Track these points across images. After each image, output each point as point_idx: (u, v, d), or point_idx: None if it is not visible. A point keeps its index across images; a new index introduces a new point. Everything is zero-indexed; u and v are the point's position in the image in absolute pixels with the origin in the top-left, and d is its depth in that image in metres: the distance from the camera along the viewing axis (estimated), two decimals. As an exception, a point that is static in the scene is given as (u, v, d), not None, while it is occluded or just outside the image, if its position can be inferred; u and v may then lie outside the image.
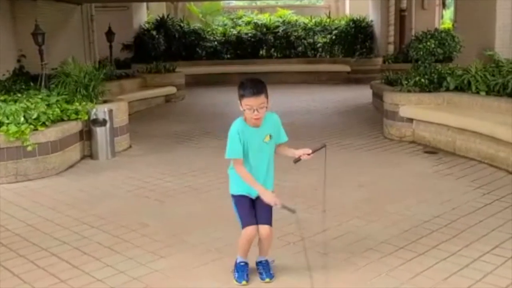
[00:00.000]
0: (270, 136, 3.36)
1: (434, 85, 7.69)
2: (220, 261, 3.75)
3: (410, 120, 7.50)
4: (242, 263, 3.50)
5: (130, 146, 7.66)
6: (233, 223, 4.25)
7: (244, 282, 3.42)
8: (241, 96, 3.22)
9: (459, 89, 7.49)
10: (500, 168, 5.93)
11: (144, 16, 17.31)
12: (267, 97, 3.24)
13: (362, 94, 12.38)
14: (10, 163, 5.83)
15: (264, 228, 3.36)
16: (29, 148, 5.83)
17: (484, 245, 3.92)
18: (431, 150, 7.02)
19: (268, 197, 3.24)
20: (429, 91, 7.64)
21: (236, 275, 3.46)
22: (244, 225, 3.36)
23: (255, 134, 3.32)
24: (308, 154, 3.41)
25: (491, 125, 6.02)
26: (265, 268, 3.52)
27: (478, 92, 7.14)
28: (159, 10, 17.82)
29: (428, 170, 6.13)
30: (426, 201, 4.98)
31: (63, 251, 3.99)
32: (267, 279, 3.46)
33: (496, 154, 6.03)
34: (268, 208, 3.38)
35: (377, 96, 9.97)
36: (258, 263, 3.56)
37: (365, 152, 7.10)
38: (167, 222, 4.57)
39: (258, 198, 3.38)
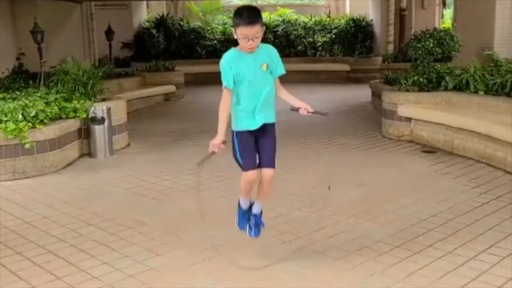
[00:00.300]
0: (267, 64, 3.31)
1: (433, 84, 7.70)
2: (216, 258, 3.76)
3: (409, 119, 7.50)
4: (242, 210, 3.62)
5: (129, 144, 7.67)
6: (229, 221, 4.27)
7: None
8: (236, 25, 3.16)
9: (457, 88, 7.49)
10: (498, 167, 5.94)
11: (144, 14, 17.31)
12: (262, 26, 3.19)
13: (361, 94, 12.38)
14: (8, 161, 5.84)
15: (268, 172, 3.36)
16: (27, 146, 5.85)
17: (480, 244, 3.92)
18: (429, 150, 7.02)
19: (213, 141, 3.28)
20: (428, 91, 7.65)
21: (237, 219, 3.64)
22: (244, 168, 3.36)
23: (250, 60, 3.26)
24: (309, 112, 3.40)
25: (488, 124, 6.03)
26: (257, 223, 3.58)
27: (476, 92, 7.15)
28: (159, 8, 17.82)
29: (425, 169, 6.14)
30: (423, 200, 4.99)
31: (60, 248, 4.00)
32: (254, 237, 3.56)
33: (494, 154, 6.03)
34: (272, 148, 3.40)
35: (376, 96, 9.98)
36: (252, 215, 3.61)
37: (363, 151, 7.10)
38: (164, 220, 4.58)
39: (261, 135, 3.36)
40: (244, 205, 3.64)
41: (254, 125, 3.34)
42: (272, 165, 3.38)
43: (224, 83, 3.29)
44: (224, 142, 3.30)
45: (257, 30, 3.15)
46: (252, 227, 3.60)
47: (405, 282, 3.38)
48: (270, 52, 3.36)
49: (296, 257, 3.75)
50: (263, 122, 3.36)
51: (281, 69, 3.40)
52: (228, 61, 3.27)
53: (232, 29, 3.26)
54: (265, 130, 3.40)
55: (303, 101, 3.44)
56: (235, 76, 3.27)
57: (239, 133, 3.38)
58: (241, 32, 3.15)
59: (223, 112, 3.32)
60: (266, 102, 3.36)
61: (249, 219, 3.65)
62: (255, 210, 3.65)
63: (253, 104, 3.32)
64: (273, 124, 3.45)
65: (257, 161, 3.39)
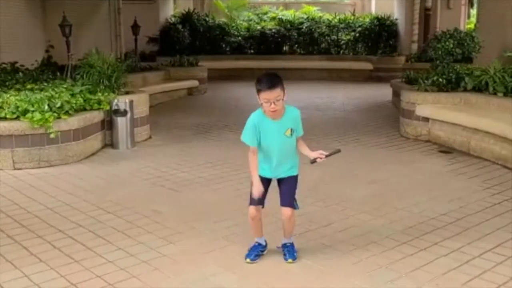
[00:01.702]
0: (291, 130, 3.56)
1: (452, 85, 7.69)
2: (227, 248, 3.90)
3: (426, 119, 7.52)
4: (256, 243, 3.77)
5: (150, 137, 7.87)
6: (241, 213, 4.42)
7: (248, 260, 3.66)
8: (258, 91, 3.43)
9: (476, 89, 7.47)
10: (513, 169, 5.94)
11: (170, 10, 17.54)
12: (283, 89, 3.43)
13: (382, 93, 12.37)
14: (34, 150, 6.07)
15: (284, 210, 3.62)
16: (52, 136, 6.07)
17: (487, 243, 3.98)
18: (446, 150, 7.04)
19: (256, 190, 3.49)
20: (447, 91, 7.65)
21: (247, 252, 3.72)
22: (249, 203, 3.62)
23: (274, 128, 3.51)
24: (322, 157, 3.59)
25: (504, 126, 6.03)
26: (289, 251, 3.73)
27: (495, 93, 7.13)
28: (186, 4, 18.03)
29: (441, 169, 6.17)
30: (435, 199, 5.05)
31: (78, 233, 4.19)
32: (290, 260, 3.67)
33: (510, 156, 6.03)
34: (289, 191, 3.62)
35: (397, 95, 9.96)
36: (283, 246, 3.78)
37: (380, 150, 7.16)
38: (179, 210, 4.74)
39: (281, 181, 3.65)
40: (257, 241, 3.80)
41: (270, 175, 3.63)
42: (288, 204, 3.62)
43: (246, 140, 3.55)
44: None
45: (277, 94, 3.39)
46: (286, 253, 3.73)
47: (408, 276, 3.47)
48: (295, 116, 3.61)
49: (304, 249, 3.86)
50: (281, 176, 3.64)
51: (299, 131, 3.66)
52: (254, 123, 3.51)
53: (256, 95, 3.47)
54: (286, 179, 3.65)
55: (315, 150, 3.65)
56: (258, 136, 3.52)
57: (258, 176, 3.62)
58: (263, 97, 3.40)
59: (253, 170, 3.56)
60: (286, 157, 3.61)
61: (282, 251, 3.78)
62: (284, 241, 3.81)
63: (273, 160, 3.58)
64: (294, 177, 3.67)
65: (261, 200, 3.60)
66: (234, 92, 13.13)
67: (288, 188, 3.64)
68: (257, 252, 3.74)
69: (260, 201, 3.62)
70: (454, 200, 5.00)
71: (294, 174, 3.67)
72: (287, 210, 3.62)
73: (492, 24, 8.96)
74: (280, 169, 3.62)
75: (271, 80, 3.41)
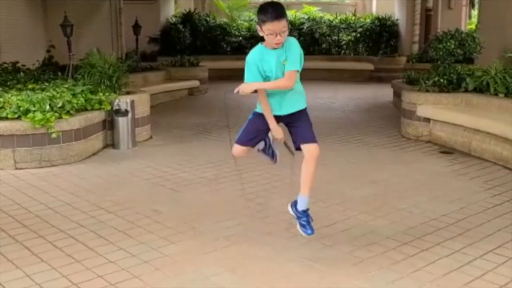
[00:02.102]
0: (286, 60, 3.36)
1: (453, 85, 7.70)
2: (228, 248, 3.90)
3: (427, 119, 7.52)
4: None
5: (151, 137, 7.87)
6: (243, 214, 4.42)
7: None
8: (262, 21, 3.18)
9: (478, 90, 7.47)
10: (514, 170, 5.94)
11: (171, 10, 17.54)
12: (287, 20, 3.25)
13: (383, 93, 12.38)
14: (35, 149, 6.08)
15: (311, 147, 3.37)
16: (54, 136, 6.08)
17: (488, 244, 3.97)
18: (447, 150, 7.04)
19: (276, 132, 3.42)
20: (448, 92, 7.65)
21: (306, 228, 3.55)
22: (236, 140, 3.61)
23: (274, 57, 3.33)
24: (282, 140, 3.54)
25: (505, 126, 6.03)
26: (309, 220, 3.49)
27: (496, 94, 7.13)
28: (187, 4, 18.04)
29: (441, 169, 6.17)
30: (436, 199, 5.04)
31: (80, 233, 4.19)
32: (312, 234, 3.48)
33: (511, 156, 6.03)
34: (308, 124, 3.46)
35: (398, 95, 9.97)
36: (302, 212, 3.50)
37: (381, 150, 7.16)
38: (180, 210, 4.74)
39: (293, 120, 3.47)
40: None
41: (280, 112, 3.45)
42: (312, 139, 3.37)
43: (246, 79, 3.42)
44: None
45: (284, 25, 3.19)
46: (305, 224, 3.52)
47: (410, 277, 3.47)
48: (290, 46, 3.35)
49: (305, 249, 3.86)
50: (290, 111, 3.47)
51: (292, 64, 3.35)
52: (255, 58, 3.35)
53: (257, 26, 3.30)
54: (297, 115, 3.49)
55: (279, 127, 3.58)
56: (262, 72, 3.36)
57: (256, 114, 3.55)
58: (268, 28, 3.17)
59: (266, 110, 3.46)
60: (294, 92, 3.46)
61: (298, 218, 3.57)
62: (302, 206, 3.54)
63: (281, 95, 3.43)
64: (303, 110, 3.52)
65: (249, 144, 3.59)
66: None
67: (305, 122, 3.42)
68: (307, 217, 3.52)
69: (247, 143, 3.55)
70: (455, 200, 5.00)
71: (304, 107, 3.48)
72: (314, 147, 3.32)
73: (493, 24, 8.96)
74: (289, 103, 3.44)
75: (277, 9, 3.17)
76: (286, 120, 3.52)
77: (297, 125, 3.46)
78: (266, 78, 3.36)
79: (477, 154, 6.63)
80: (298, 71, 3.43)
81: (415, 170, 6.14)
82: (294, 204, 3.63)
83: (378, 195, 5.17)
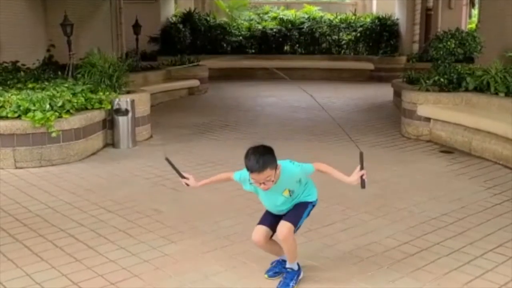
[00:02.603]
0: (289, 191, 3.17)
1: (454, 85, 7.70)
2: (228, 248, 3.90)
3: (428, 119, 7.52)
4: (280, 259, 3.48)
5: (151, 136, 7.87)
6: (243, 213, 4.42)
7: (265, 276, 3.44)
8: (246, 168, 3.02)
9: (478, 89, 7.47)
10: (515, 169, 5.94)
11: (171, 9, 17.55)
12: (274, 168, 3.01)
13: (384, 93, 12.38)
14: (35, 148, 6.08)
15: (280, 226, 3.18)
16: (54, 135, 6.08)
17: (488, 243, 3.98)
18: (447, 150, 7.04)
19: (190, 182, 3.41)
20: (448, 91, 7.65)
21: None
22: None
23: (268, 192, 3.14)
24: (362, 174, 3.31)
25: (505, 126, 6.03)
26: (285, 277, 3.33)
27: (497, 93, 7.13)
28: (187, 3, 18.05)
29: (442, 169, 6.17)
30: (436, 199, 5.05)
31: (80, 232, 4.19)
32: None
33: (511, 156, 6.03)
34: (296, 210, 3.27)
35: (398, 95, 9.96)
36: (281, 263, 3.47)
37: (381, 150, 7.16)
38: (181, 210, 4.74)
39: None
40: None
41: (274, 212, 3.31)
42: (287, 219, 3.19)
43: (236, 177, 3.23)
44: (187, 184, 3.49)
45: (267, 175, 2.98)
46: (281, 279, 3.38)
47: (410, 276, 3.47)
48: (289, 176, 3.16)
49: (305, 249, 3.86)
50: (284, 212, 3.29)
51: (310, 169, 3.27)
52: (250, 181, 3.12)
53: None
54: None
55: (354, 173, 3.37)
56: (254, 190, 3.20)
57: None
58: (252, 177, 3.03)
59: (216, 178, 3.42)
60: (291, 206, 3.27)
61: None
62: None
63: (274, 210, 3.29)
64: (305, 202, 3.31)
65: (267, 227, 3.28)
66: (235, 92, 13.14)
67: (296, 207, 3.24)
68: (279, 269, 3.42)
69: (263, 223, 3.27)
70: (455, 200, 5.00)
71: (306, 200, 3.28)
72: (283, 226, 3.13)
73: (493, 24, 8.97)
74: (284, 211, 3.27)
75: (259, 161, 2.94)
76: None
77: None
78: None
79: (478, 153, 6.63)
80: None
81: (415, 169, 6.14)
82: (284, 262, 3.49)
83: (378, 195, 5.17)
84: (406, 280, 3.42)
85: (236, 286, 3.36)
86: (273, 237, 3.35)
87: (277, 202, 3.22)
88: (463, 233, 4.19)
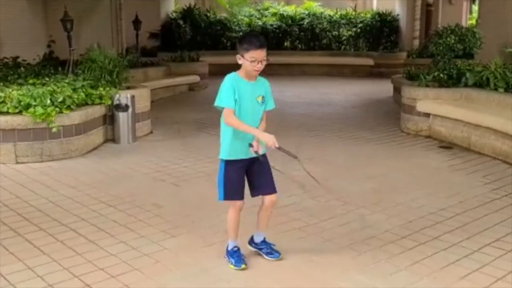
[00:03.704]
0: (263, 97, 3.45)
1: (453, 80, 7.72)
2: (227, 242, 3.92)
3: (427, 115, 7.54)
4: (235, 248, 3.57)
5: (151, 132, 7.90)
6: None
7: (243, 266, 3.50)
8: (245, 49, 3.29)
9: (478, 85, 7.49)
10: (513, 164, 5.97)
11: (171, 5, 17.53)
12: (266, 51, 3.36)
13: (383, 88, 12.40)
14: (36, 144, 6.10)
15: (271, 197, 3.52)
16: (54, 130, 6.10)
17: (486, 237, 4.01)
18: (446, 145, 7.06)
19: (266, 137, 3.25)
20: (448, 87, 7.67)
21: (233, 261, 3.51)
22: (228, 197, 3.47)
23: (249, 89, 3.38)
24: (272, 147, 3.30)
25: (505, 121, 6.05)
26: (272, 247, 3.64)
27: (496, 89, 7.15)
28: (187, -1, 18.04)
29: (440, 164, 6.20)
30: (434, 194, 5.08)
31: (81, 227, 4.22)
32: (280, 256, 3.60)
33: (510, 151, 6.05)
34: (268, 173, 3.50)
35: (398, 91, 9.98)
36: (262, 243, 3.67)
37: (380, 145, 7.19)
38: (180, 204, 4.78)
39: (255, 162, 3.41)
40: (235, 245, 3.59)
41: (248, 154, 3.40)
42: (274, 189, 3.53)
43: (226, 104, 3.32)
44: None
45: (265, 54, 3.32)
46: (271, 251, 3.63)
47: (408, 270, 3.50)
48: (266, 86, 3.52)
49: (304, 243, 3.90)
50: (250, 155, 3.41)
51: (271, 104, 3.54)
52: (232, 84, 3.34)
53: (238, 55, 3.34)
54: (257, 162, 3.43)
55: (267, 134, 3.33)
56: (238, 98, 3.35)
57: (229, 163, 3.44)
58: (252, 55, 3.28)
59: (242, 124, 3.32)
60: (256, 126, 3.42)
61: (260, 249, 3.67)
62: (259, 238, 3.67)
63: (249, 139, 3.37)
64: (265, 155, 3.49)
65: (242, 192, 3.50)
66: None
67: (266, 170, 3.49)
68: (243, 256, 3.56)
69: (242, 194, 3.48)
70: (453, 195, 5.03)
71: (264, 152, 3.44)
72: (274, 197, 3.51)
73: (493, 20, 8.97)
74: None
75: (260, 39, 3.34)
76: (247, 164, 3.46)
77: (259, 170, 3.47)
78: (238, 105, 3.36)
79: (477, 149, 6.65)
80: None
81: (414, 165, 6.17)
82: (251, 240, 3.71)
83: (376, 190, 5.20)
84: (403, 274, 3.45)
85: (235, 279, 3.39)
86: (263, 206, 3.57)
87: (254, 109, 3.42)
88: (461, 228, 4.22)
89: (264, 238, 3.70)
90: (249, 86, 3.41)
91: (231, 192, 3.48)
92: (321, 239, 4.01)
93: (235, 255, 3.55)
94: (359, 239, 3.98)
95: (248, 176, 3.52)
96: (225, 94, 3.35)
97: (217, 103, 3.39)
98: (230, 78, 3.39)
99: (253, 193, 3.58)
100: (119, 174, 5.75)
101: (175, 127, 7.20)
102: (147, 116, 7.84)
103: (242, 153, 3.43)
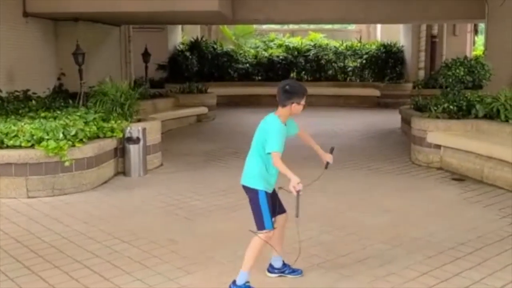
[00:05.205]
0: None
1: (463, 112, 7.72)
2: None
3: (438, 146, 7.52)
4: (247, 283, 3.61)
5: (162, 164, 7.88)
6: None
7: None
8: (301, 97, 3.58)
9: (488, 117, 7.48)
10: (529, 197, 5.90)
11: (179, 37, 17.76)
12: None
13: (391, 119, 12.41)
14: (48, 177, 6.08)
15: (285, 216, 3.80)
16: (67, 164, 6.09)
17: (508, 273, 3.94)
18: (459, 177, 7.01)
19: (293, 181, 3.40)
20: (458, 118, 7.67)
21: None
22: (268, 226, 3.58)
23: (285, 132, 3.67)
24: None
25: (519, 154, 6.02)
26: (291, 267, 3.86)
27: (507, 121, 7.14)
28: (194, 31, 18.26)
29: (455, 197, 6.14)
30: (452, 228, 5.01)
31: (95, 264, 4.17)
32: (302, 273, 3.86)
33: (525, 184, 6.01)
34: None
35: (406, 122, 9.99)
36: (283, 266, 3.87)
37: (392, 177, 7.14)
38: (195, 240, 4.72)
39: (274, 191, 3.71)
40: (247, 278, 3.65)
41: (270, 189, 3.68)
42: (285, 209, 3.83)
43: (279, 149, 3.48)
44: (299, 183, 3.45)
45: None
46: (294, 270, 3.88)
47: (431, 309, 3.43)
48: (293, 125, 3.83)
49: (323, 279, 3.83)
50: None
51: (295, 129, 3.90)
52: (282, 130, 3.57)
53: (289, 102, 3.56)
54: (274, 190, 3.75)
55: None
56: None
57: (266, 192, 3.62)
58: (303, 102, 3.61)
59: (284, 169, 3.47)
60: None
61: (283, 272, 3.88)
62: (278, 263, 3.88)
63: (276, 171, 3.62)
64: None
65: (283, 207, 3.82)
66: (242, 119, 13.19)
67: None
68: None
69: (281, 208, 3.78)
70: (471, 229, 4.96)
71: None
72: (286, 216, 3.79)
73: (500, 51, 9.02)
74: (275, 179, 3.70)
75: (304, 87, 3.66)
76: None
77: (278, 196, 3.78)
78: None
79: (490, 181, 6.60)
80: None
81: (428, 197, 6.12)
82: (272, 268, 3.91)
83: (393, 224, 5.14)
84: (428, 313, 3.37)
85: (256, 319, 3.32)
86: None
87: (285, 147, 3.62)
88: (482, 264, 4.14)
89: (283, 261, 3.87)
90: (285, 129, 3.64)
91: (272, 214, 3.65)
92: (341, 275, 3.94)
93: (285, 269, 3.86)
94: (380, 276, 3.91)
95: None
96: (278, 140, 3.50)
97: (272, 149, 3.48)
98: (279, 124, 3.58)
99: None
100: (131, 208, 5.71)
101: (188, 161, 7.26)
102: (158, 148, 7.84)
103: (270, 188, 3.67)
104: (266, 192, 3.59)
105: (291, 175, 3.41)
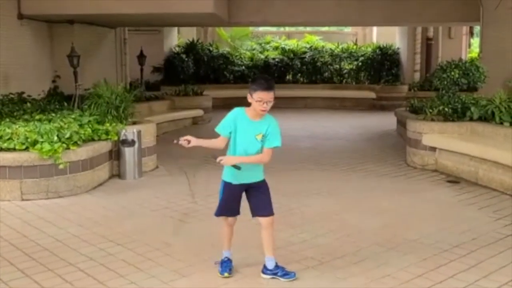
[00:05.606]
0: (263, 136, 3.72)
1: (458, 114, 7.73)
2: (241, 281, 3.86)
3: (433, 148, 7.53)
4: (225, 258, 3.97)
5: (157, 167, 7.86)
6: (254, 245, 4.38)
7: (226, 274, 3.86)
8: (254, 90, 3.63)
9: (483, 119, 7.50)
10: (523, 199, 5.92)
11: (174, 39, 17.75)
12: (274, 94, 3.66)
13: (386, 121, 12.44)
14: (43, 180, 6.06)
15: (267, 219, 3.82)
16: (61, 166, 6.06)
17: (503, 276, 3.94)
18: (454, 179, 7.03)
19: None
20: (453, 120, 7.68)
21: (220, 269, 3.91)
22: (219, 213, 3.93)
23: (249, 128, 3.71)
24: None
25: (513, 156, 6.03)
26: (285, 269, 3.84)
27: (502, 123, 7.16)
28: (189, 34, 18.26)
29: (449, 199, 6.15)
30: (447, 230, 5.01)
31: (89, 267, 4.15)
32: (296, 276, 3.82)
33: (519, 185, 6.02)
34: (266, 197, 3.81)
35: (401, 124, 10.03)
36: (275, 268, 3.85)
37: (387, 179, 7.15)
38: (190, 242, 4.71)
39: (253, 190, 3.81)
40: (226, 256, 4.01)
41: (237, 181, 3.80)
42: (269, 213, 3.83)
43: (217, 128, 3.80)
44: (187, 140, 3.87)
45: (271, 96, 3.64)
46: (287, 272, 3.86)
47: (426, 311, 3.42)
48: (271, 125, 3.76)
49: (318, 282, 3.82)
50: (247, 181, 3.81)
51: (273, 142, 3.75)
52: (235, 117, 3.73)
53: (248, 94, 3.68)
54: (256, 186, 3.84)
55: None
56: (233, 131, 3.74)
57: (226, 183, 3.87)
58: (259, 96, 3.61)
59: (205, 143, 3.89)
60: (253, 165, 3.78)
61: (275, 274, 3.87)
62: (271, 264, 3.88)
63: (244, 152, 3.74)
64: (262, 181, 3.87)
65: (238, 211, 3.94)
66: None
67: (264, 195, 3.81)
68: (230, 266, 3.94)
69: (234, 212, 3.88)
70: (466, 231, 4.97)
71: (262, 178, 3.84)
72: (269, 219, 3.80)
73: (495, 54, 9.05)
74: (247, 172, 3.74)
75: (268, 82, 3.65)
76: (246, 188, 3.86)
77: (257, 194, 3.84)
78: (231, 137, 3.77)
79: (484, 183, 6.61)
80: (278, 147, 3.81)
81: (423, 199, 6.13)
82: (265, 268, 3.91)
83: (388, 226, 5.14)
84: (422, 315, 3.37)
85: (250, 322, 3.31)
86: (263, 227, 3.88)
87: (250, 145, 3.72)
88: (477, 266, 4.15)
89: (276, 263, 3.86)
90: (250, 125, 3.71)
91: (224, 210, 3.91)
92: (336, 278, 3.93)
93: (224, 264, 3.93)
94: (375, 278, 3.91)
95: (247, 198, 3.88)
96: (222, 122, 3.77)
97: (216, 128, 3.81)
98: (235, 112, 3.75)
99: (252, 214, 3.92)
100: (126, 211, 5.69)
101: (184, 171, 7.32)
102: (153, 150, 7.82)
103: (236, 178, 3.80)
104: (225, 182, 3.86)
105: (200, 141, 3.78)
